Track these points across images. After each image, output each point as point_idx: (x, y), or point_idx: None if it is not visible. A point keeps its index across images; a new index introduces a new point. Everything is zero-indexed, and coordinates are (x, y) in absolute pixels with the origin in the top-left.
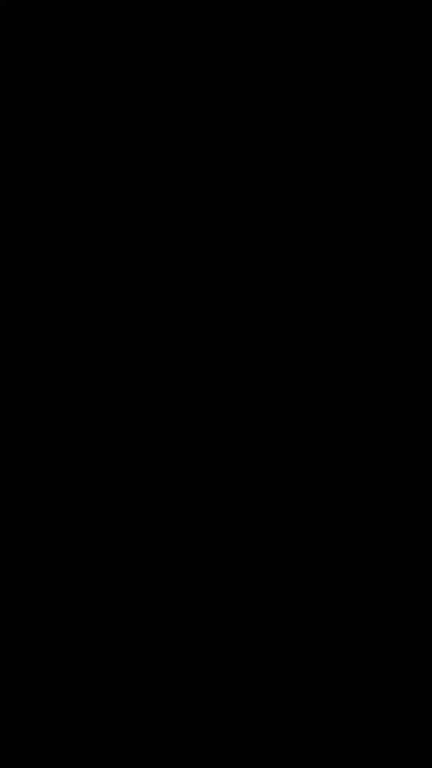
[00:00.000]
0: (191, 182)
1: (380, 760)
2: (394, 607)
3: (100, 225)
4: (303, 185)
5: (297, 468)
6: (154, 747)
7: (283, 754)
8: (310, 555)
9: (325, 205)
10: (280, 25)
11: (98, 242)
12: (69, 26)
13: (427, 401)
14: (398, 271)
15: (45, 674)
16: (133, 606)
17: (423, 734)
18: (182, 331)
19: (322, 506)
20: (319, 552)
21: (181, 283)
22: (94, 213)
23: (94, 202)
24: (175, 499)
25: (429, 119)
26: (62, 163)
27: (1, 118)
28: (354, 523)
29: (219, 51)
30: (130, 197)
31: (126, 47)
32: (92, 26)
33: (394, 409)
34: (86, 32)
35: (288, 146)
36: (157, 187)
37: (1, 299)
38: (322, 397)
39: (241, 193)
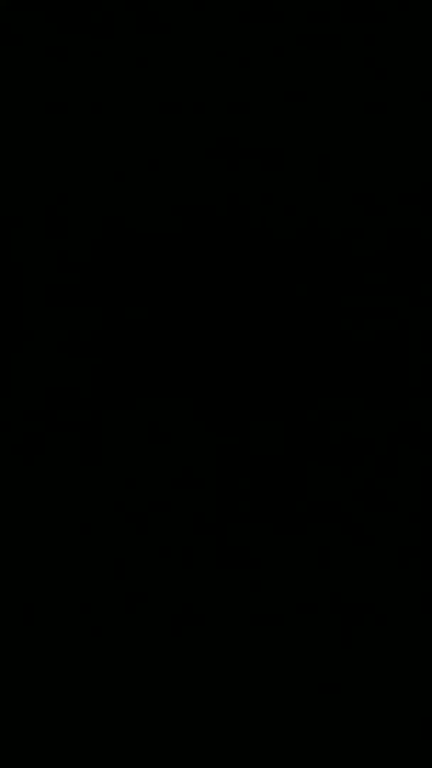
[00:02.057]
0: (191, 182)
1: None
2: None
3: (100, 225)
4: (303, 185)
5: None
6: (154, 746)
7: (286, 747)
8: (308, 555)
9: (325, 204)
10: (280, 25)
11: (98, 242)
12: (69, 26)
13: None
14: (397, 268)
15: (44, 669)
16: (132, 601)
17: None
18: (182, 333)
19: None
20: (317, 553)
21: (181, 284)
22: (94, 213)
23: (94, 202)
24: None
25: (429, 119)
26: (62, 163)
27: (1, 118)
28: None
29: (219, 51)
30: (130, 197)
31: (126, 47)
32: (92, 26)
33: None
34: (86, 32)
35: (288, 146)
36: (157, 187)
37: (1, 299)
38: (321, 392)
39: (241, 193)
